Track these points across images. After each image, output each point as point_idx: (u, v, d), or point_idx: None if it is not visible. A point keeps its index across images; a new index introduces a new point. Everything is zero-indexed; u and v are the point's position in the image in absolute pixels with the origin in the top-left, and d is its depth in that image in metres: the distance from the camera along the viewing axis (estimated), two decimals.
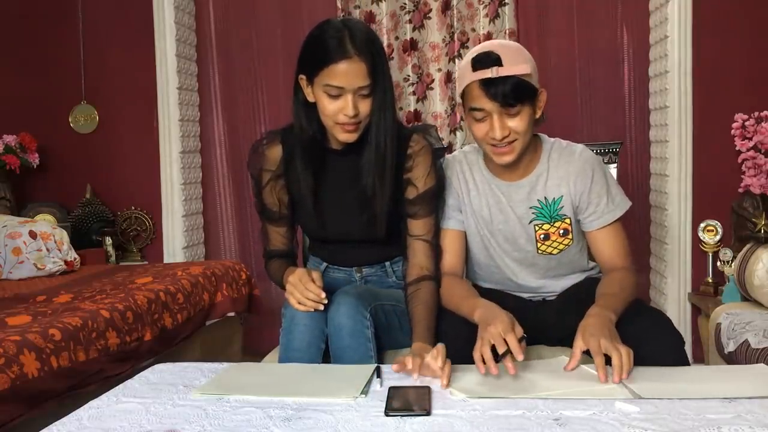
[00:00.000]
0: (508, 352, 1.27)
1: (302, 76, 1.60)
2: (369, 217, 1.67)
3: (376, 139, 1.60)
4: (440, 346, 1.33)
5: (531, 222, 1.63)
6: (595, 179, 1.60)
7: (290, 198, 1.75)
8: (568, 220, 1.63)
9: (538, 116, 1.55)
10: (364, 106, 1.56)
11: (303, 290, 1.54)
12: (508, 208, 1.64)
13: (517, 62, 1.46)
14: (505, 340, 1.28)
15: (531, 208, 1.63)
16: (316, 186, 1.69)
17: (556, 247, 1.64)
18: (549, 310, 1.68)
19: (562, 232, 1.63)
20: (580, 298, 1.60)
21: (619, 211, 1.62)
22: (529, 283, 1.69)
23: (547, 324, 1.63)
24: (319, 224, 1.74)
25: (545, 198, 1.62)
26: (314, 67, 1.54)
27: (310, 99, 1.60)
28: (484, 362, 1.27)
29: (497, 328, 1.30)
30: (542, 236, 1.64)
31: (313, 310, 1.54)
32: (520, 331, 1.32)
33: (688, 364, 1.42)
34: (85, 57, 3.37)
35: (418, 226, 1.67)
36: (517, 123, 1.49)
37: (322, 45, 1.53)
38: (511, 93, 1.45)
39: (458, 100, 1.64)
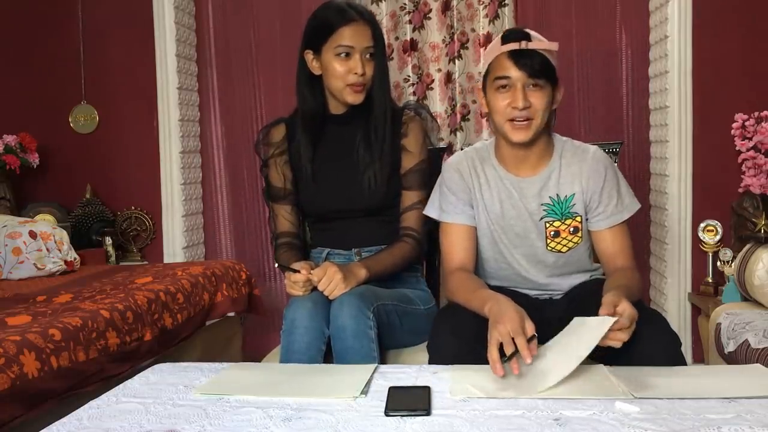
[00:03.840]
0: (516, 352, 1.25)
1: (308, 51, 1.76)
2: (364, 185, 1.77)
3: (377, 103, 1.76)
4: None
5: (542, 219, 1.64)
6: (608, 179, 1.63)
7: (293, 175, 1.85)
8: (579, 218, 1.64)
9: (554, 107, 1.60)
10: (369, 68, 1.74)
11: (290, 283, 1.62)
12: (519, 203, 1.64)
13: (544, 40, 1.56)
14: (514, 340, 1.26)
15: (542, 204, 1.64)
16: (314, 154, 1.81)
17: (565, 245, 1.65)
18: (555, 309, 1.67)
19: (572, 230, 1.64)
20: (586, 298, 1.60)
21: (627, 213, 1.64)
22: (537, 279, 1.69)
23: (553, 323, 1.63)
24: (318, 192, 1.81)
25: (557, 195, 1.63)
26: (322, 37, 1.72)
27: (316, 72, 1.76)
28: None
29: (506, 327, 1.28)
30: (552, 233, 1.64)
31: (310, 291, 1.61)
32: (531, 329, 1.30)
33: (684, 364, 1.42)
34: (85, 57, 3.37)
35: (411, 197, 1.80)
36: (537, 99, 1.54)
37: (329, 17, 1.72)
38: (538, 65, 1.53)
39: (474, 84, 1.74)
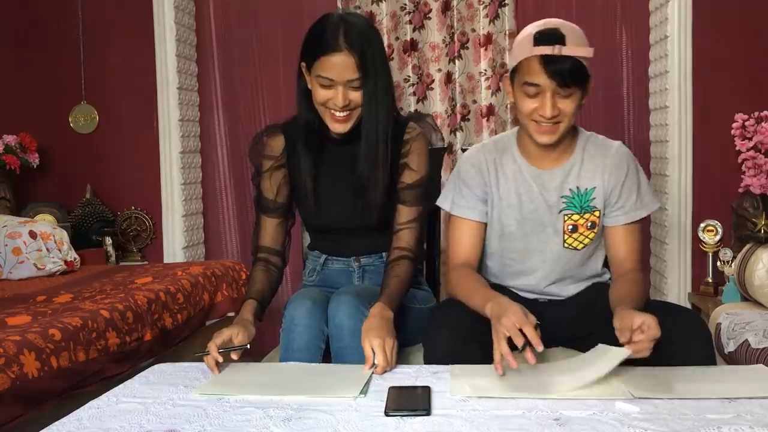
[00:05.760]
0: (528, 344, 1.25)
1: (303, 63, 1.68)
2: (364, 204, 1.71)
3: (368, 129, 1.66)
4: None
5: (561, 211, 1.62)
6: (629, 175, 1.61)
7: (291, 189, 1.79)
8: (597, 213, 1.62)
9: (582, 102, 1.56)
10: (355, 97, 1.62)
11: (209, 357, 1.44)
12: (539, 196, 1.63)
13: (579, 44, 1.48)
14: (521, 331, 1.26)
15: (562, 197, 1.62)
16: (315, 172, 1.74)
17: (581, 241, 1.63)
18: (559, 312, 1.66)
19: (589, 224, 1.63)
20: (591, 299, 1.61)
21: (645, 211, 1.63)
22: (536, 284, 1.68)
23: (558, 325, 1.62)
24: (318, 211, 1.77)
25: (578, 188, 1.62)
26: (311, 57, 1.62)
27: (310, 86, 1.67)
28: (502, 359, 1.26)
29: (511, 320, 1.28)
30: (570, 227, 1.62)
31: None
32: (533, 319, 1.30)
33: (714, 362, 1.41)
34: (85, 57, 3.37)
35: (408, 213, 1.71)
36: (567, 105, 1.50)
37: (318, 37, 1.60)
38: (570, 74, 1.46)
39: (504, 73, 1.66)
